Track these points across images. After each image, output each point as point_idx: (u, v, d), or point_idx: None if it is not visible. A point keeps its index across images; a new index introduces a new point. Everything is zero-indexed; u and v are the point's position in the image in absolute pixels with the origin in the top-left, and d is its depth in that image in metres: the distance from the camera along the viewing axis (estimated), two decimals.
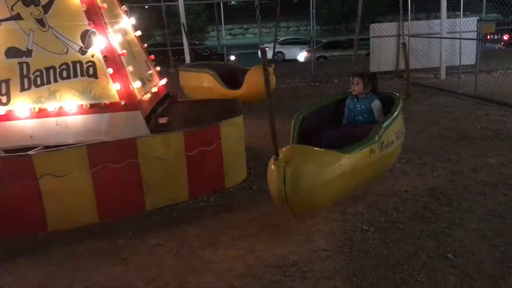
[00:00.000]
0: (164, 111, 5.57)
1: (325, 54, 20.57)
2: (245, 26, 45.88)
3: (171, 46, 10.96)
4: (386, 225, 4.07)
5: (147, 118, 4.84)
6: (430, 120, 7.74)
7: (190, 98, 8.36)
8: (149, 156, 4.51)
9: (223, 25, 14.71)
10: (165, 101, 5.99)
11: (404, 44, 5.13)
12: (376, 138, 3.82)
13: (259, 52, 3.36)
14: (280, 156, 3.21)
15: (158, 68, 6.32)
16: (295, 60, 21.18)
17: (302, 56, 21.18)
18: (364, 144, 3.71)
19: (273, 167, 3.27)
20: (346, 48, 19.93)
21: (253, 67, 8.11)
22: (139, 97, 4.85)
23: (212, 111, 5.75)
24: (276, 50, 16.37)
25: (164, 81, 6.25)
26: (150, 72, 5.92)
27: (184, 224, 4.31)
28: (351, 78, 4.73)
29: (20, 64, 4.61)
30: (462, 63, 10.61)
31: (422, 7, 13.56)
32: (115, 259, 3.76)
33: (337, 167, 3.48)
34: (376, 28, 13.01)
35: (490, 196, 4.56)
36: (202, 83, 8.34)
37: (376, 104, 4.50)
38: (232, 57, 21.30)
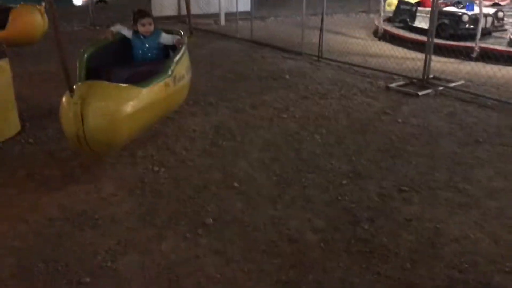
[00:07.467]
0: None
1: None
2: None
3: None
4: (176, 164, 4.13)
5: None
6: (213, 63, 8.04)
7: None
8: None
9: None
10: None
11: None
12: (169, 72, 3.98)
13: None
14: (76, 92, 3.02)
15: None
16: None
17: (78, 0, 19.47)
18: (159, 78, 3.84)
19: (67, 104, 3.07)
20: None
21: (18, 6, 7.13)
22: None
23: None
24: None
25: None
26: None
27: None
28: (133, 18, 4.65)
29: None
30: (238, 10, 11.23)
31: None
32: None
33: (136, 101, 3.49)
34: None
35: (267, 128, 5.02)
36: None
37: (164, 35, 4.67)
38: None
